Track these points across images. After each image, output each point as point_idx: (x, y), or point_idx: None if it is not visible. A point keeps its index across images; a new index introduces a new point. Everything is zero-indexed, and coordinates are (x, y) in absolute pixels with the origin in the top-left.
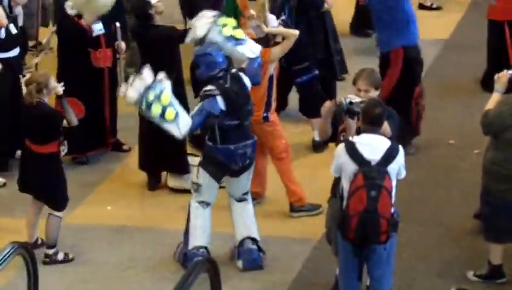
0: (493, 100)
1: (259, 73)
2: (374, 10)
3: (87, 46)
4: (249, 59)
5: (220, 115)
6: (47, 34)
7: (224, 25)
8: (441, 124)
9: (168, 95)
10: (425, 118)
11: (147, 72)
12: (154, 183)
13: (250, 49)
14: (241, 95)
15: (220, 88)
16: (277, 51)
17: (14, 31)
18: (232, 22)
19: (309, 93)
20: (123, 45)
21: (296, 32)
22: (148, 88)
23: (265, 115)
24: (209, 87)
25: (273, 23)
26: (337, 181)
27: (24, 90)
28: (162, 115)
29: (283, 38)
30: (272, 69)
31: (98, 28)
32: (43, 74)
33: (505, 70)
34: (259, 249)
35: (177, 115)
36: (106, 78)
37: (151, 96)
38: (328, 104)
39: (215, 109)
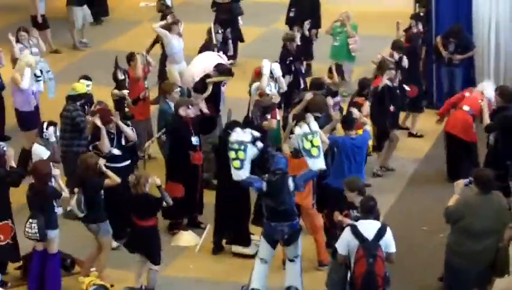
0: (453, 199)
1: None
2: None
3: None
4: None
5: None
6: (148, 142)
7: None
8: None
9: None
10: (404, 210)
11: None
12: (217, 250)
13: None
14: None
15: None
16: None
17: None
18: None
19: None
20: None
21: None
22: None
23: (313, 202)
24: None
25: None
26: None
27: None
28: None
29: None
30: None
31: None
32: (146, 174)
33: (461, 180)
34: None
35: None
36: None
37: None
38: None
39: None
